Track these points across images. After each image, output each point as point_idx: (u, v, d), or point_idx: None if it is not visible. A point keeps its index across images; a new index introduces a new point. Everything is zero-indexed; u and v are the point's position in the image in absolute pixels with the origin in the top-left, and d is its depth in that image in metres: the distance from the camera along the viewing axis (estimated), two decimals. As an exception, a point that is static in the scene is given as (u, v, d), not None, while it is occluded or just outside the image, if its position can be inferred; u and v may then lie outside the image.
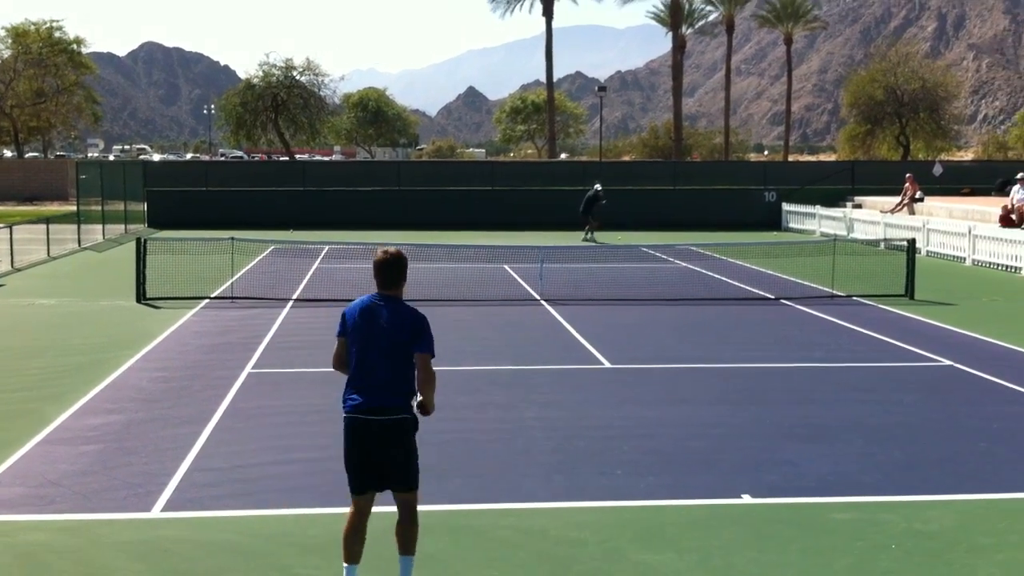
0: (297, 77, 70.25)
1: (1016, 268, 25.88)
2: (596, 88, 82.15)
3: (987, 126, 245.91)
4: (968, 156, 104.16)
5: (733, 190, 43.02)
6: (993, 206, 31.39)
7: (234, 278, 21.79)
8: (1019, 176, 30.12)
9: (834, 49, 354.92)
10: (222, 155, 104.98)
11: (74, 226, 31.51)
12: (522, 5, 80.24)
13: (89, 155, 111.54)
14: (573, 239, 33.01)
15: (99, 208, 34.33)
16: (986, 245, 27.39)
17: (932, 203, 35.80)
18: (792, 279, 23.67)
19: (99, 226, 33.65)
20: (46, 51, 68.62)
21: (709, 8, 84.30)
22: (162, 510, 8.23)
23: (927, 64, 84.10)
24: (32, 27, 70.41)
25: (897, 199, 36.59)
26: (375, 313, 6.45)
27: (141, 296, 19.56)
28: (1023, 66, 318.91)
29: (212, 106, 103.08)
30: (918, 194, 35.99)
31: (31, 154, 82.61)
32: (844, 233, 34.47)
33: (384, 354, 6.37)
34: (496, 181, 43.16)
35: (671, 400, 12.14)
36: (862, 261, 25.22)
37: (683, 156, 76.42)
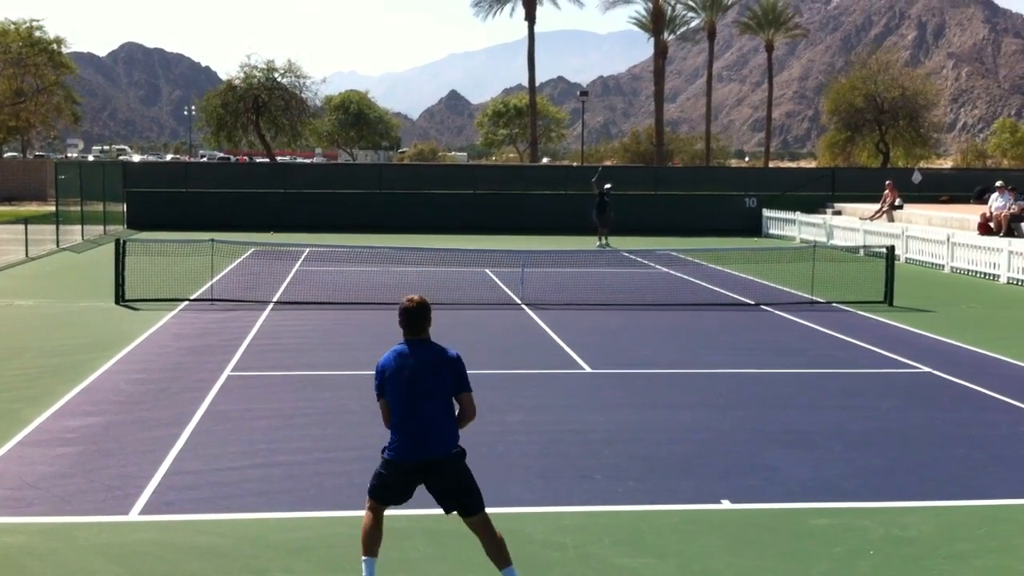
0: (278, 79, 69.98)
1: (995, 276, 26.04)
2: (578, 93, 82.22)
3: (966, 134, 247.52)
4: (947, 164, 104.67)
5: (714, 196, 43.14)
6: (972, 214, 31.57)
7: (214, 280, 21.70)
8: (998, 184, 30.34)
9: (815, 56, 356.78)
10: (202, 156, 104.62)
11: (53, 227, 31.32)
12: (505, 9, 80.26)
13: (68, 155, 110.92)
14: (554, 243, 33.04)
15: (78, 209, 34.12)
16: (965, 252, 27.56)
17: (911, 210, 35.98)
18: (772, 285, 23.75)
19: (78, 227, 33.45)
20: (26, 51, 68.17)
21: (691, 15, 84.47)
22: (140, 513, 8.18)
23: (907, 72, 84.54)
24: (12, 26, 69.90)
25: (876, 206, 36.77)
26: (414, 358, 6.65)
27: (120, 298, 19.46)
28: (1002, 75, 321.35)
29: (193, 107, 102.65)
30: (897, 201, 36.18)
31: (10, 154, 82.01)
32: (824, 239, 34.62)
33: (430, 396, 6.61)
34: (478, 185, 43.16)
35: (652, 405, 12.16)
36: (842, 268, 25.34)
37: (664, 161, 76.54)
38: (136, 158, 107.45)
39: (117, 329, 16.67)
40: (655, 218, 40.17)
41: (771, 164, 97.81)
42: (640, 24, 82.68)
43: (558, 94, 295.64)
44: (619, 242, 33.30)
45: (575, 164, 79.03)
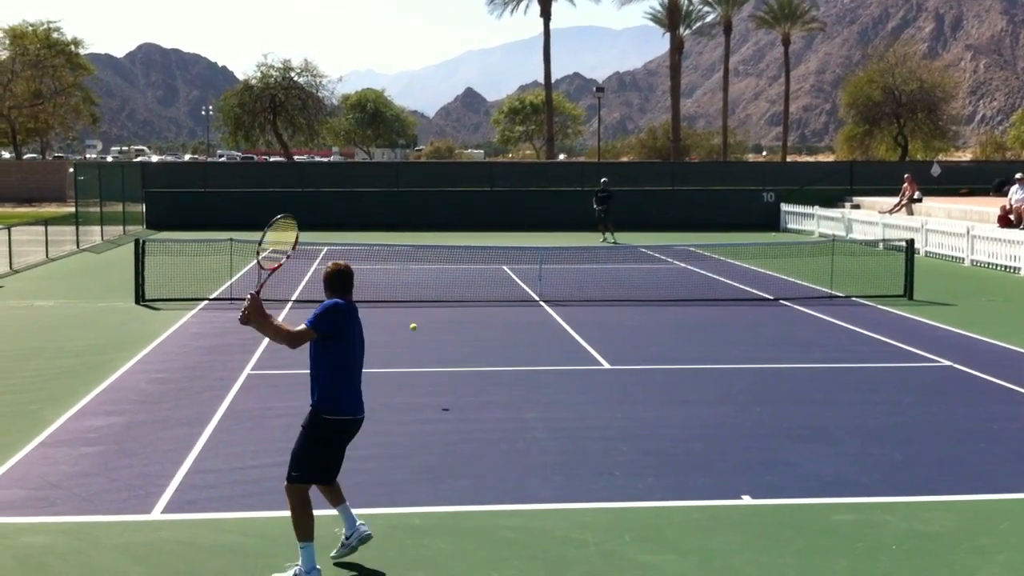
0: (295, 78, 70.22)
1: (1015, 268, 25.89)
2: (594, 89, 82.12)
3: (985, 126, 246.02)
4: (966, 156, 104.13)
5: (731, 191, 43.01)
6: (991, 206, 31.41)
7: (233, 279, 21.78)
8: (1017, 176, 30.13)
9: (832, 50, 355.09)
10: (220, 155, 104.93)
11: (72, 228, 31.49)
12: (520, 6, 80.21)
13: (87, 156, 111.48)
14: (572, 240, 33.02)
15: (97, 210, 34.31)
16: (985, 245, 27.41)
17: (930, 203, 35.80)
18: (791, 280, 23.67)
19: (97, 227, 33.64)
20: (44, 52, 68.57)
21: (707, 9, 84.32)
22: (162, 512, 8.23)
23: (925, 65, 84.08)
24: (30, 28, 70.33)
25: (895, 199, 36.60)
26: (355, 318, 7.02)
27: (140, 297, 19.56)
28: (1021, 66, 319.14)
29: (210, 107, 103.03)
30: (916, 194, 35.99)
31: (29, 156, 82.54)
32: (843, 234, 34.48)
33: (360, 357, 7.07)
34: (494, 182, 43.13)
35: (671, 401, 12.15)
36: (861, 262, 25.24)
37: (681, 157, 76.42)
38: (154, 158, 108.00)
39: (137, 329, 16.75)
40: (673, 214, 40.06)
41: (789, 158, 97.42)
42: (656, 19, 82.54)
43: (574, 90, 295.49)
44: (637, 238, 33.23)
45: (593, 161, 78.88)
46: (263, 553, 7.38)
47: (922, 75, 73.52)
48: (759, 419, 11.25)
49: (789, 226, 40.10)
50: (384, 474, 9.08)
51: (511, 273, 24.38)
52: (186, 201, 40.10)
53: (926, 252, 29.46)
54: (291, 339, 6.84)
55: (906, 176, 36.73)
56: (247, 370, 13.57)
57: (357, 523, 7.13)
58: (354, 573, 7.09)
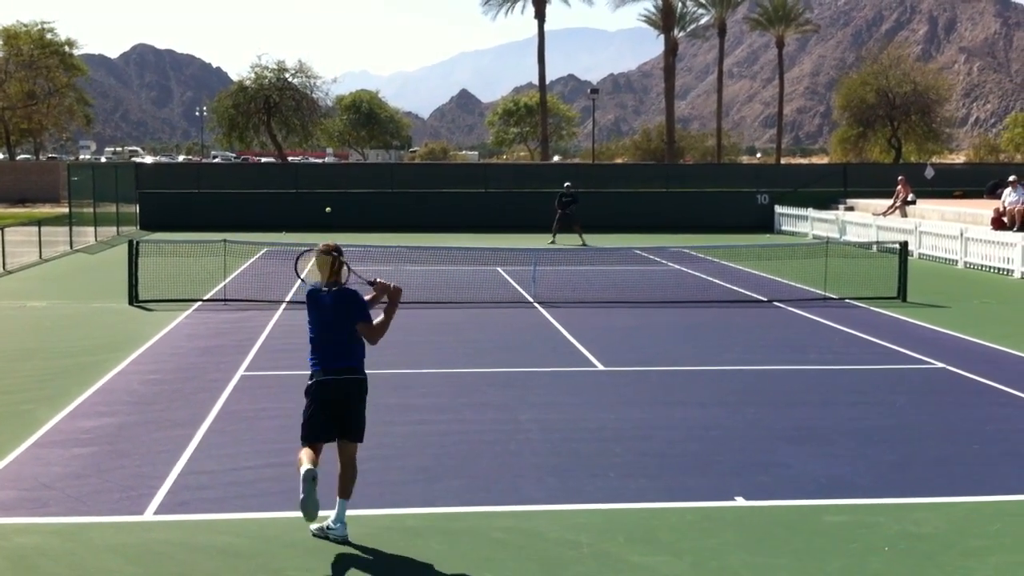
0: (289, 79, 70.11)
1: (1008, 271, 25.94)
2: (588, 91, 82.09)
3: (978, 129, 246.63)
4: (960, 159, 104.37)
5: (725, 193, 43.06)
6: (985, 208, 31.47)
7: (227, 280, 21.76)
8: (1011, 179, 30.20)
9: (826, 52, 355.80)
10: (214, 156, 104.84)
11: (66, 228, 31.44)
12: (514, 7, 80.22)
13: (81, 157, 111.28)
14: (566, 242, 33.03)
15: (91, 210, 34.25)
16: (978, 248, 27.46)
17: (924, 206, 35.87)
18: (785, 281, 23.70)
19: (91, 228, 33.58)
20: (37, 53, 68.47)
21: (701, 11, 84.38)
22: (155, 513, 8.21)
23: (918, 67, 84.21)
24: (23, 29, 70.20)
25: (889, 201, 36.66)
26: (317, 302, 7.93)
27: (133, 298, 19.53)
28: (1014, 69, 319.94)
29: (204, 108, 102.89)
30: (910, 196, 36.07)
31: (22, 156, 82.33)
32: (836, 235, 34.51)
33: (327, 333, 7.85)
34: (489, 183, 43.16)
35: (664, 402, 12.15)
36: (854, 263, 25.27)
37: (675, 159, 76.43)
38: (148, 159, 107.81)
39: (131, 330, 16.72)
40: (667, 215, 40.10)
41: (783, 160, 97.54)
42: (650, 21, 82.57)
43: (568, 92, 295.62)
44: (631, 240, 33.25)
45: (587, 162, 78.92)
46: (256, 554, 7.37)
47: (916, 77, 73.63)
48: (752, 420, 11.25)
49: (783, 228, 40.15)
50: (377, 475, 9.06)
51: (505, 275, 24.37)
52: (180, 202, 40.07)
53: (919, 254, 29.51)
54: None
55: (900, 178, 36.82)
56: (241, 371, 13.56)
57: (342, 523, 7.60)
58: (348, 574, 7.08)
